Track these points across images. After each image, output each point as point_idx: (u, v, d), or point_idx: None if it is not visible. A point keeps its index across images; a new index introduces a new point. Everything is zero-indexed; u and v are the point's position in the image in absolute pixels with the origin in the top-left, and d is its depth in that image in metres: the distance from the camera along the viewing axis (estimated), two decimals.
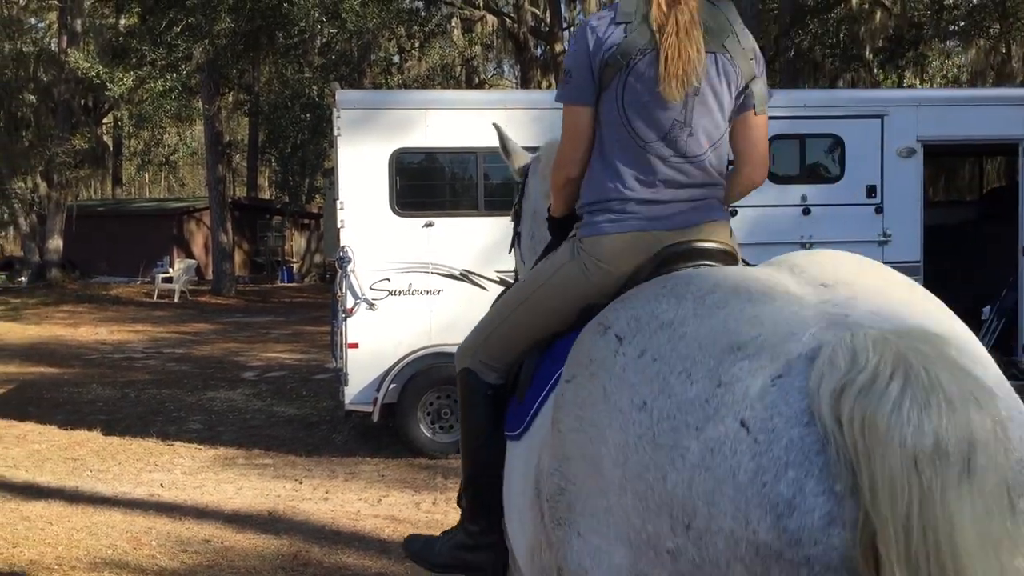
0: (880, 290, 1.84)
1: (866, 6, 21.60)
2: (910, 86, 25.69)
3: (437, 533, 2.98)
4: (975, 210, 10.84)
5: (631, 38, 2.29)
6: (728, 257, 2.39)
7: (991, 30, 22.63)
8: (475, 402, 2.69)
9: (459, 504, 2.91)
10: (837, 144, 8.35)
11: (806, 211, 8.23)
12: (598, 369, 1.92)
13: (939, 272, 9.10)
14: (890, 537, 1.37)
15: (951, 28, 23.62)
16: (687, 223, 2.37)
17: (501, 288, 5.26)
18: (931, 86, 27.41)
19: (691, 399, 1.66)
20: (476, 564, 2.78)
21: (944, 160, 15.27)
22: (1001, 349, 8.82)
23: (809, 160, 8.40)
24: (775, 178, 8.25)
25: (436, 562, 2.90)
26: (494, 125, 3.70)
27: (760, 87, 2.43)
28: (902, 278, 1.97)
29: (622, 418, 1.77)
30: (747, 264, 2.43)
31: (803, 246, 8.19)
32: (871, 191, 8.34)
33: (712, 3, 2.36)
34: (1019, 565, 1.36)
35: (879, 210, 8.33)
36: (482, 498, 2.69)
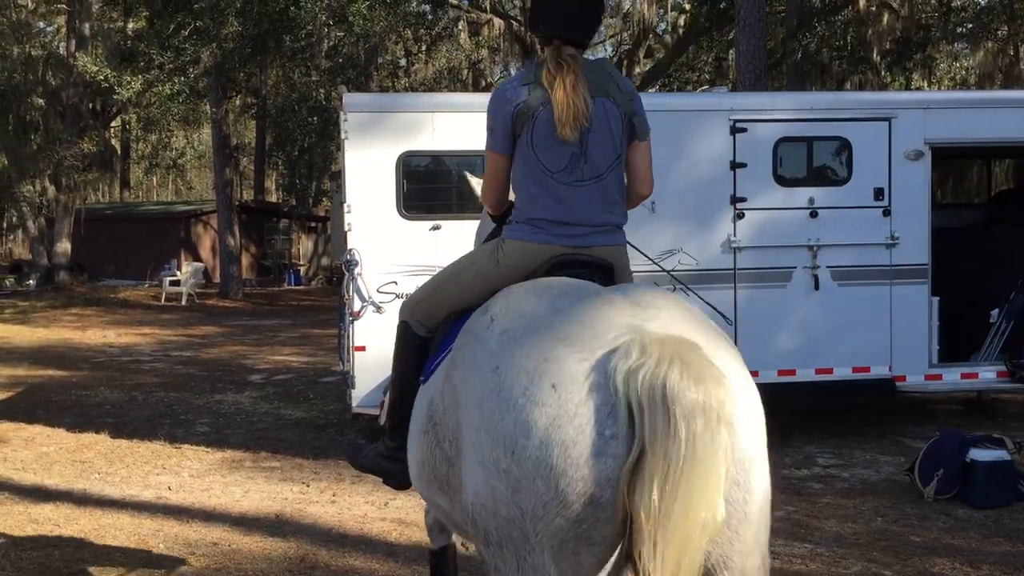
0: (674, 315, 2.50)
1: (873, 8, 21.56)
2: (918, 88, 25.63)
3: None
4: (983, 213, 10.80)
5: (533, 96, 3.00)
6: (604, 270, 3.06)
7: (999, 32, 22.57)
8: (407, 350, 3.39)
9: (382, 424, 3.58)
10: (844, 147, 8.33)
11: (813, 214, 8.21)
12: (474, 340, 2.66)
13: (947, 275, 9.08)
14: (659, 463, 2.15)
15: (959, 30, 23.57)
16: (580, 242, 3.05)
17: None
18: (939, 88, 27.36)
19: (525, 367, 2.40)
20: (390, 472, 3.53)
21: (952, 162, 15.22)
22: (1010, 352, 8.79)
23: (816, 163, 8.38)
24: (783, 181, 8.24)
25: (362, 463, 3.71)
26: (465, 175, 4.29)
27: (640, 120, 3.13)
28: (693, 311, 2.62)
29: (482, 376, 2.50)
30: (628, 272, 3.24)
31: (810, 249, 8.18)
32: (879, 194, 8.31)
33: (592, 61, 3.12)
34: (721, 472, 2.18)
35: (887, 213, 8.30)
36: (399, 423, 3.33)
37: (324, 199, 33.94)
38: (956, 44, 25.90)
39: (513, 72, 37.32)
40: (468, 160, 7.95)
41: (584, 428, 2.26)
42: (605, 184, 3.07)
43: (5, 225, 42.02)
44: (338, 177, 8.92)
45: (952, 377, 8.57)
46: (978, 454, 6.57)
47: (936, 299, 8.47)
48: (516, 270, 3.04)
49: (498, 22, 28.22)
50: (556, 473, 2.26)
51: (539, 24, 3.12)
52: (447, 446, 2.70)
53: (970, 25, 23.12)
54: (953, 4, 22.24)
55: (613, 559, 2.36)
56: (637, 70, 28.27)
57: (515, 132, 3.05)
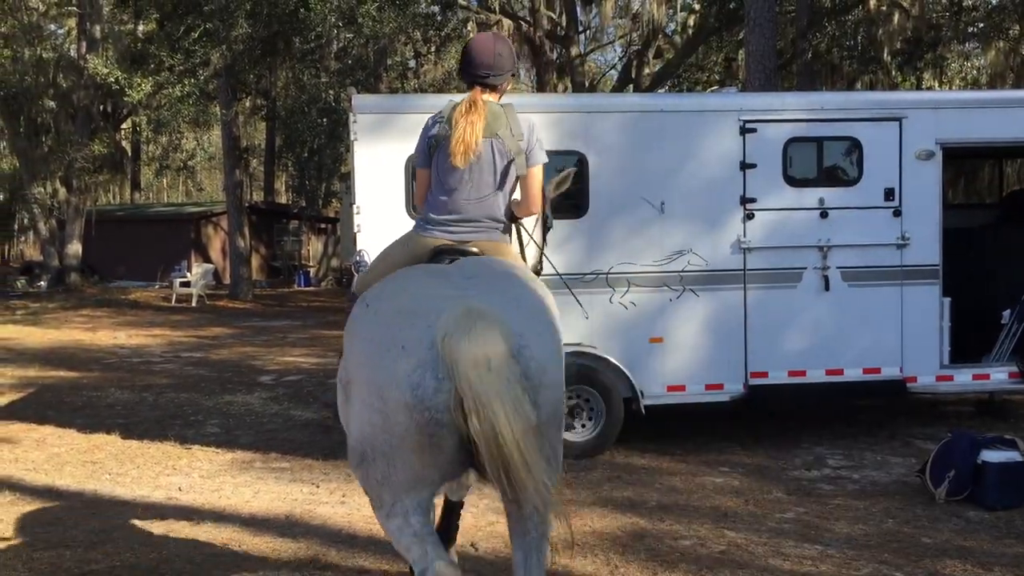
0: (490, 287, 3.54)
1: (884, 8, 21.48)
2: (929, 88, 25.54)
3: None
4: (995, 213, 10.75)
5: (441, 129, 4.06)
6: (471, 255, 4.00)
7: (1011, 31, 22.46)
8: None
9: None
10: (855, 147, 8.30)
11: (824, 214, 8.18)
12: (356, 320, 3.66)
13: (959, 276, 9.03)
14: (467, 396, 3.13)
15: (970, 30, 23.47)
16: (457, 237, 4.06)
17: None
18: (950, 88, 27.24)
19: (386, 335, 3.38)
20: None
21: (963, 163, 15.16)
22: (1022, 353, 8.74)
23: (827, 163, 8.35)
24: (792, 181, 8.22)
25: None
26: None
27: (530, 153, 4.09)
28: (510, 280, 3.65)
29: (360, 342, 3.53)
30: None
31: (821, 249, 8.16)
32: (889, 194, 8.28)
33: (496, 106, 4.08)
34: (503, 398, 3.13)
35: (897, 213, 8.27)
36: None
37: (334, 200, 33.97)
38: (967, 44, 25.79)
39: (522, 73, 37.37)
40: None
41: (425, 375, 3.24)
42: (485, 203, 4.06)
43: (17, 227, 42.22)
44: (348, 178, 8.92)
45: (963, 378, 8.53)
46: (990, 455, 6.54)
47: (947, 300, 8.43)
48: (413, 255, 4.08)
49: (507, 23, 28.21)
50: (408, 408, 3.25)
51: (464, 73, 4.17)
52: (343, 396, 3.70)
53: (981, 24, 23.03)
54: (964, 3, 22.15)
55: (457, 456, 3.36)
56: (646, 71, 28.25)
57: (430, 155, 4.11)
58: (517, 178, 4.11)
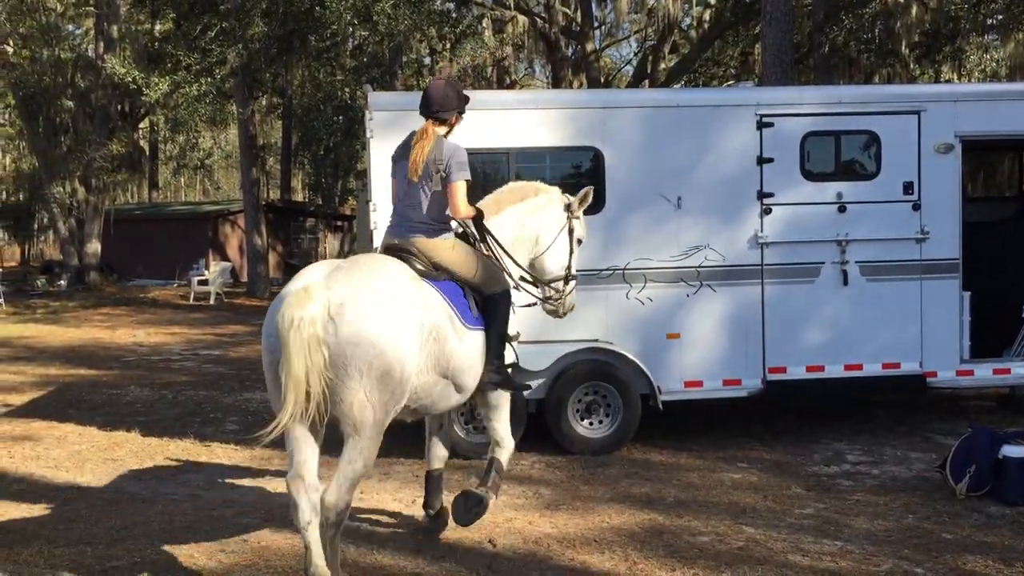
0: (353, 273, 4.69)
1: (901, 0, 21.32)
2: (947, 81, 25.33)
3: (469, 533, 5.12)
4: (1015, 206, 10.66)
5: (403, 151, 5.40)
6: (410, 253, 5.17)
7: None
8: None
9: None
10: (873, 140, 8.25)
11: (842, 209, 8.14)
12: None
13: (978, 269, 8.97)
14: (285, 350, 4.35)
15: (989, 22, 23.25)
16: (400, 236, 5.27)
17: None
18: (969, 81, 27.00)
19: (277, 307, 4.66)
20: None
21: (983, 155, 15.03)
22: None
23: (845, 157, 8.30)
24: (810, 175, 8.17)
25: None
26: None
27: (447, 172, 5.19)
28: (359, 269, 4.78)
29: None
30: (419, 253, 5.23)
31: (839, 244, 8.12)
32: (908, 188, 8.23)
33: (439, 138, 5.28)
34: (303, 352, 4.36)
35: (916, 207, 8.22)
36: None
37: (350, 198, 34.06)
38: (986, 36, 25.55)
39: (537, 69, 37.29)
40: (493, 157, 7.95)
41: (270, 330, 4.57)
42: (425, 208, 5.25)
43: (36, 226, 42.51)
44: (364, 176, 8.94)
45: (984, 373, 8.47)
46: (1010, 451, 6.49)
47: (967, 294, 8.37)
48: (381, 251, 5.40)
49: (522, 19, 28.20)
50: (265, 352, 4.65)
51: (422, 109, 5.35)
52: None
53: (1000, 16, 22.81)
54: None
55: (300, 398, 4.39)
56: (662, 66, 28.16)
57: (395, 169, 5.45)
58: (444, 190, 5.23)
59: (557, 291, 5.94)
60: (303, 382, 4.30)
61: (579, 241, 6.06)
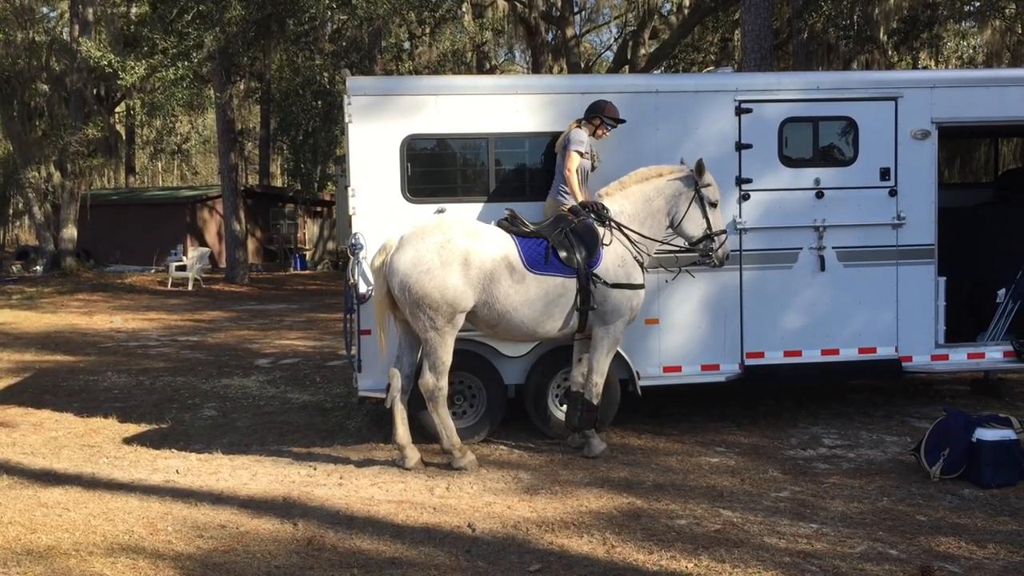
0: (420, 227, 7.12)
1: None
2: (925, 67, 25.47)
3: (448, 518, 4.22)
4: (990, 192, 10.76)
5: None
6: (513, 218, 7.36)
7: (1007, 10, 22.38)
8: None
9: None
10: (851, 126, 8.29)
11: (819, 194, 8.19)
12: None
13: (954, 254, 9.04)
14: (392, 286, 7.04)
15: (966, 8, 23.39)
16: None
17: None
18: (946, 67, 27.17)
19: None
20: None
21: (959, 142, 15.15)
22: (1017, 332, 8.78)
23: (822, 143, 8.34)
24: (788, 161, 8.21)
25: None
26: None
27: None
28: (433, 226, 7.04)
29: None
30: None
31: (816, 229, 8.16)
32: (885, 173, 8.28)
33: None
34: (380, 282, 7.13)
35: (893, 192, 8.28)
36: None
37: (329, 183, 33.91)
38: (964, 23, 25.71)
39: (517, 55, 37.15)
40: (472, 143, 7.93)
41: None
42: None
43: (11, 211, 42.03)
44: (343, 161, 8.89)
45: (959, 357, 8.56)
46: (984, 434, 6.57)
47: (943, 279, 8.44)
48: None
49: (502, 4, 28.11)
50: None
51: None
52: None
53: (977, 3, 22.95)
54: None
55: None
56: (642, 51, 28.14)
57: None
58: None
59: (710, 248, 7.47)
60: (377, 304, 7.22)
61: (712, 204, 7.44)
